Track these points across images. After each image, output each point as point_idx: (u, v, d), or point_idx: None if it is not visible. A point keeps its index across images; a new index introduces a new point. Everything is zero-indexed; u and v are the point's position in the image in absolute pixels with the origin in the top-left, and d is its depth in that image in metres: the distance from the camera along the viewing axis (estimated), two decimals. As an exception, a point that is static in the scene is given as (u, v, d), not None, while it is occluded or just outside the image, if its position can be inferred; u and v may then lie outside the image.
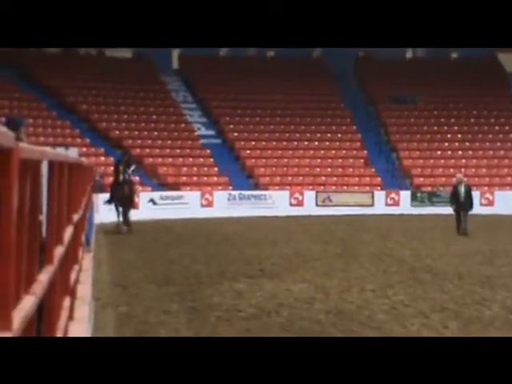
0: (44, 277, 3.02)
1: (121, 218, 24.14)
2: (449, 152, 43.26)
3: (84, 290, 6.61)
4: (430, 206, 38.56)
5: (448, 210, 37.20)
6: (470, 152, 43.23)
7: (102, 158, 37.84)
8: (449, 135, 44.07)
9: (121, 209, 23.86)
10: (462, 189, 25.06)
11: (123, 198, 23.57)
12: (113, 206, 24.39)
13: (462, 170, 38.99)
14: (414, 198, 39.33)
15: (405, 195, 39.23)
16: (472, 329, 10.17)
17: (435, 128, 44.50)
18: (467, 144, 43.59)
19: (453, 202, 25.04)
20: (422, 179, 41.55)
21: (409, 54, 49.67)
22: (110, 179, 31.01)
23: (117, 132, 41.31)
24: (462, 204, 24.65)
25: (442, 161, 42.74)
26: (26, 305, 2.39)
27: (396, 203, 38.74)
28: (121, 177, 23.39)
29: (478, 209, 37.64)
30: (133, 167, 24.53)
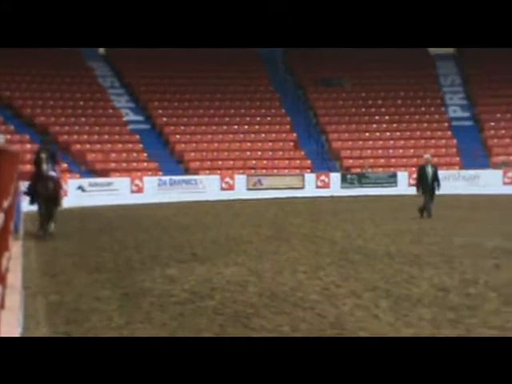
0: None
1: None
2: (377, 133, 43.76)
3: (14, 278, 6.49)
4: (360, 187, 39.01)
5: (378, 190, 37.77)
6: (398, 133, 43.80)
7: (28, 145, 37.24)
8: (376, 117, 44.56)
9: (44, 208, 19.35)
10: (430, 170, 24.06)
11: (48, 196, 19.16)
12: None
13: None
14: (343, 179, 39.73)
15: (335, 177, 39.61)
16: (402, 306, 10.31)
17: (363, 110, 44.95)
18: (394, 125, 44.15)
19: (420, 184, 23.99)
20: (351, 161, 41.96)
21: (336, 36, 50.03)
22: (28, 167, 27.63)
23: (42, 118, 40.70)
24: (429, 185, 23.72)
25: (371, 142, 43.23)
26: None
27: (326, 185, 39.08)
28: (44, 167, 18.97)
29: (406, 189, 38.28)
30: (57, 157, 20.04)
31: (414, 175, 40.26)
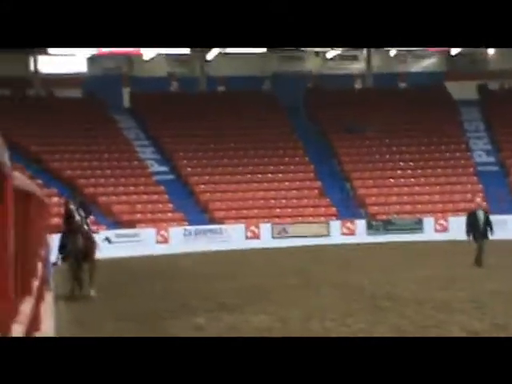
0: (26, 308, 2.94)
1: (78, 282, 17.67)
2: (402, 180, 43.67)
3: (48, 326, 6.53)
4: (386, 234, 38.80)
5: (404, 237, 37.55)
6: (423, 179, 43.68)
7: (56, 199, 37.52)
8: (401, 163, 44.51)
9: (74, 266, 17.42)
10: (481, 215, 22.73)
11: (78, 252, 17.24)
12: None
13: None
14: (369, 226, 39.57)
15: (360, 224, 39.44)
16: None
17: (387, 156, 44.93)
18: (419, 171, 44.05)
19: (470, 230, 22.46)
20: (376, 208, 41.83)
21: (358, 83, 50.22)
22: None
23: (69, 172, 41.05)
24: (482, 231, 22.39)
25: (396, 189, 43.13)
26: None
27: (352, 232, 38.93)
28: (77, 218, 17.06)
29: (432, 235, 38.06)
30: (88, 208, 18.46)
31: (440, 221, 40.23)
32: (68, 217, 17.33)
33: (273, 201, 41.74)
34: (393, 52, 49.00)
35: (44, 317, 6.78)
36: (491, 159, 45.59)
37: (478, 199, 24.72)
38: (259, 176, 43.15)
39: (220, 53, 46.08)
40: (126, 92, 47.96)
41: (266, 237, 38.18)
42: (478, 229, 22.39)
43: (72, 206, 17.32)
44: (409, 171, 44.12)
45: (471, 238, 22.46)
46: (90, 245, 17.71)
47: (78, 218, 17.16)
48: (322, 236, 38.11)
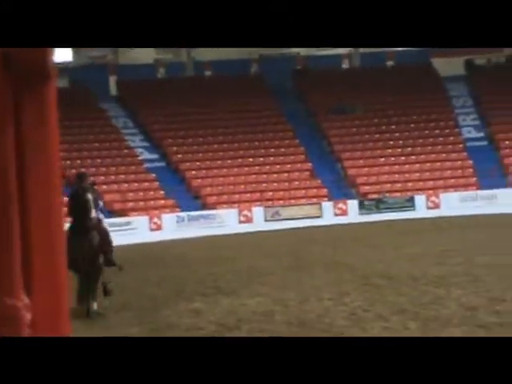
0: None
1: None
2: (392, 158, 43.74)
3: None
4: (378, 213, 38.91)
5: (396, 215, 37.62)
6: (413, 157, 43.76)
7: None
8: (390, 142, 44.57)
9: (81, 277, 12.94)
10: None
11: (83, 259, 12.76)
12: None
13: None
14: (361, 206, 39.67)
15: (352, 204, 39.55)
16: (431, 328, 10.26)
17: (377, 135, 44.98)
18: (409, 149, 44.13)
19: None
20: (367, 187, 41.92)
21: (345, 63, 50.17)
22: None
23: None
24: None
25: (386, 167, 43.20)
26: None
27: (344, 213, 39.01)
28: (93, 214, 12.70)
29: (424, 212, 38.17)
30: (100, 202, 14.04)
31: (432, 198, 40.33)
32: (86, 209, 12.71)
33: (264, 184, 41.78)
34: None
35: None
36: (480, 134, 45.70)
37: None
38: (250, 160, 43.17)
39: (206, 38, 46.03)
40: (112, 80, 47.80)
41: (259, 220, 38.25)
42: None
43: (89, 196, 12.77)
44: (399, 150, 44.20)
45: None
46: (107, 245, 13.90)
47: (93, 211, 12.83)
48: (314, 217, 38.18)
